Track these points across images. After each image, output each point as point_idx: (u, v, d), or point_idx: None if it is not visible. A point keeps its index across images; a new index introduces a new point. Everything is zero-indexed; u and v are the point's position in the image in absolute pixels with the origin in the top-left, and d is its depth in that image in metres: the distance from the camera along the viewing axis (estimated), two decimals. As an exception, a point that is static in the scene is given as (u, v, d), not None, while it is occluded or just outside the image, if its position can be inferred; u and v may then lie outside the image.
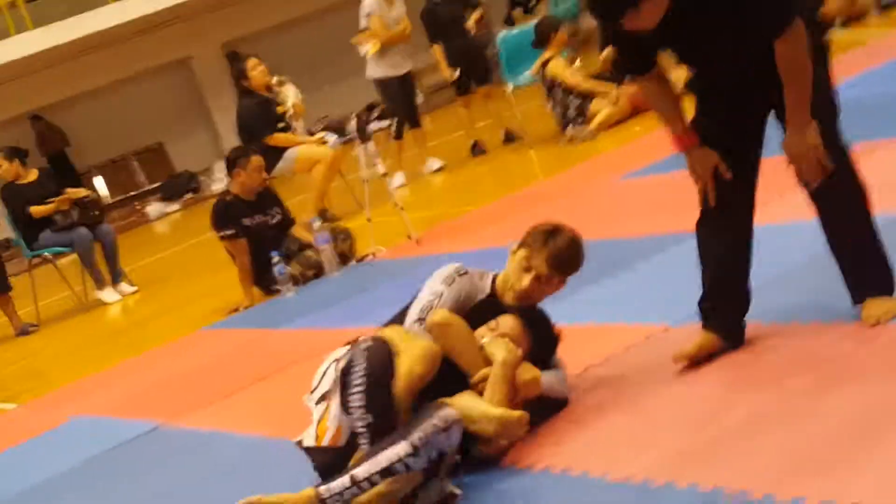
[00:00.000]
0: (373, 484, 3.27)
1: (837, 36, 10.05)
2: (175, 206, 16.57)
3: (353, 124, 7.86)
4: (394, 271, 7.01)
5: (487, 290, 3.92)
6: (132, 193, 18.06)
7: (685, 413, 3.48)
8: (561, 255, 3.84)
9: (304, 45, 18.67)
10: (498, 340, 3.67)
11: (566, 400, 3.81)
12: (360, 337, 3.75)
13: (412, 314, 3.83)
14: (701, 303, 3.80)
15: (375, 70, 10.21)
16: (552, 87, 10.06)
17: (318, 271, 7.47)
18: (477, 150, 10.84)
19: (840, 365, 3.42)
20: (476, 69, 10.70)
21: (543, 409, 3.72)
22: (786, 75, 3.43)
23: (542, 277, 3.84)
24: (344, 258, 7.57)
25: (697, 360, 3.74)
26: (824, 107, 3.56)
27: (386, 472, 3.27)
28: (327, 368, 3.69)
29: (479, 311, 3.83)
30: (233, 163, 7.52)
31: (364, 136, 7.76)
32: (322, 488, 3.29)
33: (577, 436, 3.56)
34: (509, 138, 10.79)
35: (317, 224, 7.55)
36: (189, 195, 16.99)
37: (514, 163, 10.05)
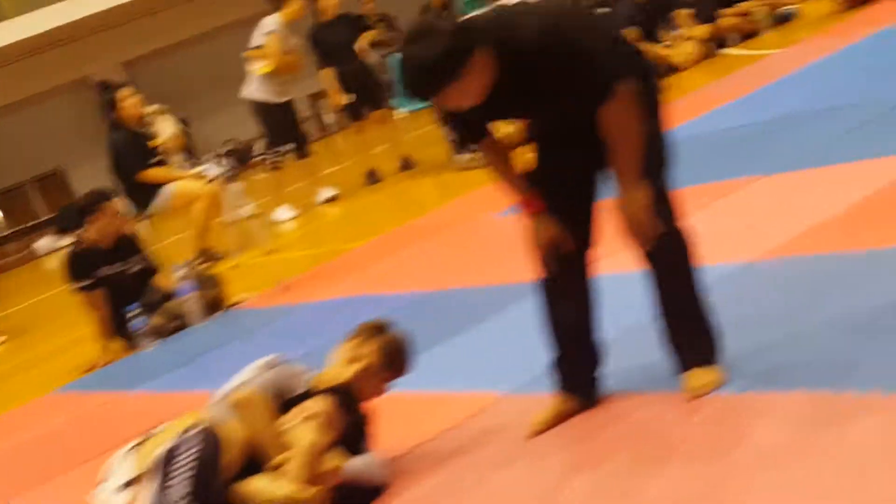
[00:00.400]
0: None
1: (731, 53, 9.84)
2: (68, 241, 15.90)
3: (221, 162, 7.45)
4: (261, 321, 6.61)
5: (306, 386, 3.59)
6: (29, 224, 17.44)
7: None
8: (393, 347, 3.65)
9: (208, 63, 18.19)
10: (304, 425, 3.39)
11: (384, 485, 3.49)
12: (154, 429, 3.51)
13: (221, 392, 3.54)
14: (552, 367, 3.54)
15: (257, 92, 9.75)
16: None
17: (183, 322, 7.01)
18: (372, 178, 10.45)
19: (661, 442, 3.20)
20: (368, 94, 10.32)
21: (357, 498, 3.42)
22: (615, 138, 3.21)
23: (371, 369, 3.58)
24: (212, 307, 7.12)
25: (551, 427, 3.50)
26: (653, 164, 3.31)
27: None
28: (126, 456, 3.47)
29: (294, 404, 3.50)
30: (87, 209, 7.04)
31: (233, 172, 7.36)
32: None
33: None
34: (406, 165, 10.42)
35: (179, 272, 7.09)
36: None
37: (407, 192, 9.68)
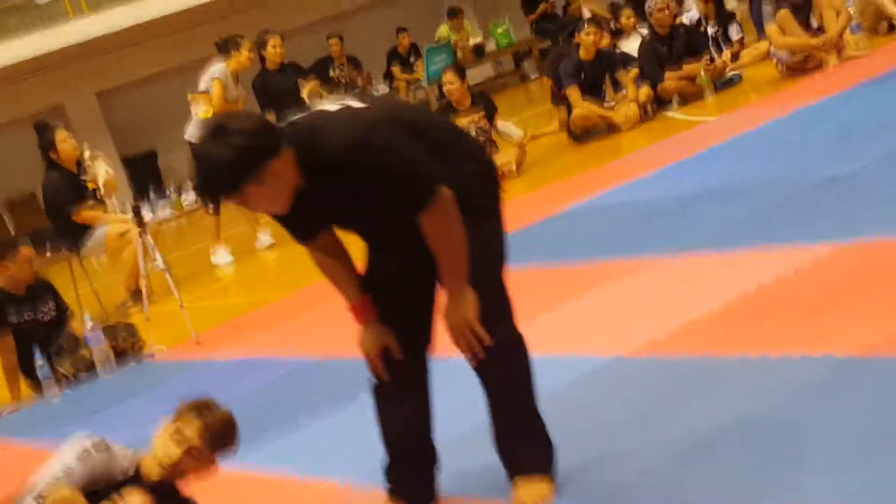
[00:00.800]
0: None
1: (673, 116, 9.83)
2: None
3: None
4: (169, 374, 6.55)
5: (131, 472, 3.52)
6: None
7: None
8: (216, 426, 3.52)
9: (179, 97, 18.17)
10: None
11: None
12: None
13: (35, 487, 3.42)
14: (386, 472, 3.45)
15: (195, 135, 9.71)
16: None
17: (92, 372, 6.94)
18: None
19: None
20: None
21: None
22: (435, 247, 3.14)
23: (194, 451, 3.49)
24: (125, 356, 7.06)
25: None
26: (487, 267, 3.20)
27: None
28: None
29: (113, 491, 3.43)
30: (-3, 255, 6.96)
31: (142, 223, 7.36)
32: None
33: None
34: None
35: (89, 323, 7.03)
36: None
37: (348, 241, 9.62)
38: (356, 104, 3.17)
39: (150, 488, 3.44)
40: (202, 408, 3.56)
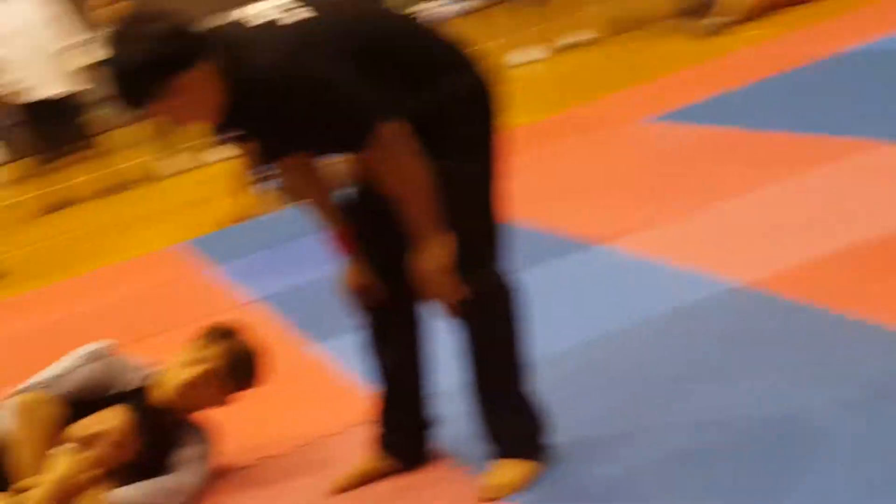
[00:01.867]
0: None
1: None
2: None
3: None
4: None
5: (135, 383, 3.33)
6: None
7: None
8: (241, 354, 3.29)
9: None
10: (65, 452, 3.10)
11: None
12: None
13: (30, 380, 3.30)
14: (375, 421, 3.10)
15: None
16: None
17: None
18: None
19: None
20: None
21: None
22: (388, 190, 2.68)
23: (211, 375, 3.25)
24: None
25: (354, 487, 3.09)
26: (469, 215, 2.72)
27: None
28: None
29: (112, 403, 3.26)
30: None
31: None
32: None
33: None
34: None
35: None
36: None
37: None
38: (301, 12, 2.64)
39: (143, 409, 3.24)
40: (229, 333, 3.32)
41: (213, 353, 3.26)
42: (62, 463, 3.08)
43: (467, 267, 2.70)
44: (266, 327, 4.06)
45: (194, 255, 6.36)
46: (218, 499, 3.26)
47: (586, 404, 3.13)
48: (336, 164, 3.10)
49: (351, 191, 2.91)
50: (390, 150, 2.59)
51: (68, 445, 3.12)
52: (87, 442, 3.14)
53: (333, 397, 3.71)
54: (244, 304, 5.04)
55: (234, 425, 3.43)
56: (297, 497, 3.14)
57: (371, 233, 2.88)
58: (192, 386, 3.25)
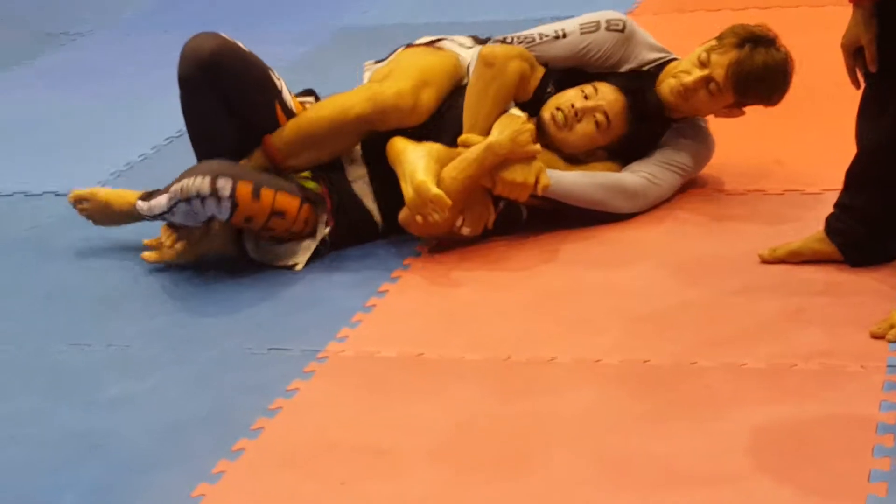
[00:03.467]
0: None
1: None
2: None
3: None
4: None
5: (646, 61, 3.17)
6: None
7: None
8: (749, 69, 3.03)
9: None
10: (516, 118, 3.00)
11: (606, 210, 3.07)
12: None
13: (512, 35, 3.15)
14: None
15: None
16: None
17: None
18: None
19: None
20: None
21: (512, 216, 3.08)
22: None
23: (713, 85, 3.06)
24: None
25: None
26: None
27: (163, 216, 3.05)
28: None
29: (612, 80, 3.11)
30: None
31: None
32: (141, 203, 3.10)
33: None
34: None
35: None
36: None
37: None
38: None
39: (640, 95, 3.10)
40: (750, 40, 3.05)
41: (722, 60, 3.05)
42: (508, 129, 2.96)
43: None
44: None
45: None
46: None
47: None
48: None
49: None
50: None
51: (516, 112, 3.03)
52: (574, 112, 3.03)
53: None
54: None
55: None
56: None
57: None
58: (691, 89, 3.06)
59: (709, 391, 2.35)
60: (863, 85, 2.63)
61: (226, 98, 3.03)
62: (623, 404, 2.34)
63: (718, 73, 3.05)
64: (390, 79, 3.11)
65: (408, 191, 2.92)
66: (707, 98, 3.09)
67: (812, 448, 2.13)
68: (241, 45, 3.06)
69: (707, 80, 3.06)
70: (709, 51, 3.07)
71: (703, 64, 3.06)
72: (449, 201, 2.89)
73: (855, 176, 2.72)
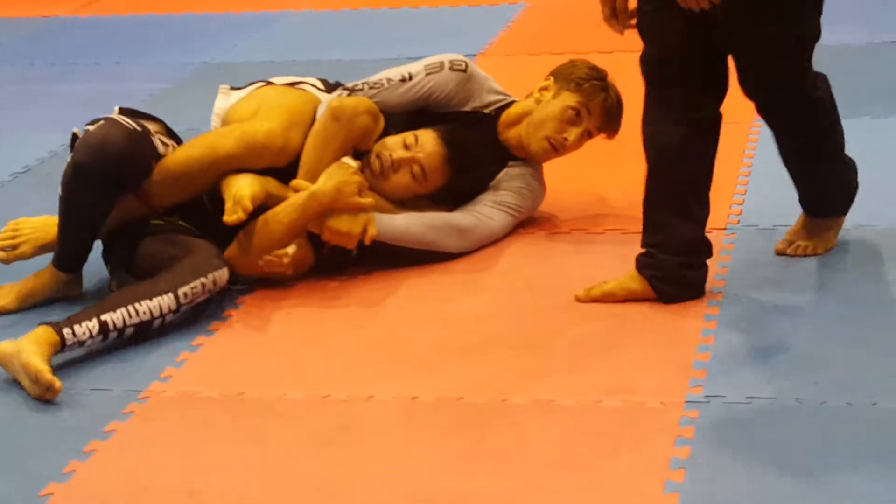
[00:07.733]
0: (122, 335, 2.80)
1: None
2: None
3: None
4: None
5: (485, 103, 3.25)
6: None
7: None
8: (617, 109, 3.19)
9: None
10: (346, 168, 3.02)
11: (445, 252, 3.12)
12: None
13: (363, 80, 3.21)
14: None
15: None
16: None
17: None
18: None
19: None
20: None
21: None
22: None
23: (588, 134, 3.19)
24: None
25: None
26: None
27: (142, 326, 2.82)
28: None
29: (448, 121, 3.19)
30: None
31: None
32: (66, 331, 2.73)
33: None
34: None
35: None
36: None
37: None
38: None
39: (445, 131, 3.13)
40: (604, 87, 3.16)
41: (593, 109, 3.14)
42: (333, 178, 2.98)
43: None
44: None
45: None
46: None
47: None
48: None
49: None
50: None
51: (348, 162, 3.04)
52: (390, 162, 3.08)
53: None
54: None
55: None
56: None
57: None
58: (564, 150, 3.17)
59: (518, 429, 2.41)
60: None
61: (118, 186, 2.99)
62: (434, 443, 2.39)
63: (594, 123, 3.16)
64: (259, 118, 3.10)
65: (228, 203, 2.95)
66: (579, 144, 3.20)
67: (606, 488, 2.20)
68: (138, 127, 3.01)
69: (587, 134, 3.18)
70: (579, 105, 3.13)
71: (575, 116, 3.13)
72: (250, 206, 2.92)
73: (650, 210, 2.81)
